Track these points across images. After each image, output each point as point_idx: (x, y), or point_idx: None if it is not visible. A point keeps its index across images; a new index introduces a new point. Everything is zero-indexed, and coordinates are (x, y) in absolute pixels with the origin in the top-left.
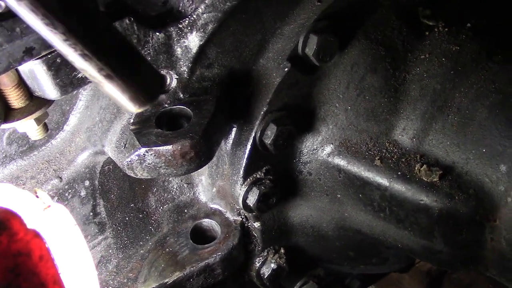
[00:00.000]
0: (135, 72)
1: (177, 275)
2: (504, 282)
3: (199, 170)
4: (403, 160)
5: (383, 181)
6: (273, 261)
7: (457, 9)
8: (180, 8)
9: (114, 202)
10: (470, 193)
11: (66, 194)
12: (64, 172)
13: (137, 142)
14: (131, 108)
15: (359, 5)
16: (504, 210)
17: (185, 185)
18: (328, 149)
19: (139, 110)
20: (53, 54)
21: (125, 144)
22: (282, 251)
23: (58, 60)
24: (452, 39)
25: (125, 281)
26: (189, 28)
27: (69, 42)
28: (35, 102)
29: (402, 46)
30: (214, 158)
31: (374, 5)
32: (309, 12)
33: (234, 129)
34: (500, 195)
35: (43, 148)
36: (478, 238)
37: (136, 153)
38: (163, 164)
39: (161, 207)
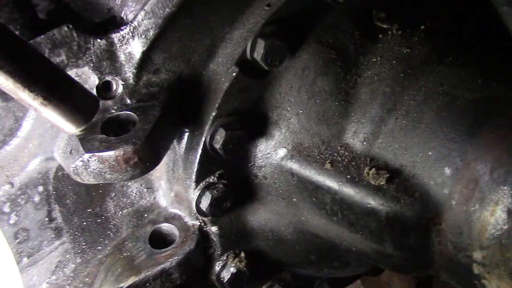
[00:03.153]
0: (68, 96)
1: (132, 279)
2: (455, 285)
3: (158, 175)
4: (353, 163)
5: (333, 184)
6: (233, 265)
7: (412, 11)
8: (122, 15)
9: (71, 207)
10: (416, 196)
11: (19, 200)
12: (16, 178)
13: (81, 148)
14: (69, 129)
15: (309, 9)
16: (449, 213)
17: (145, 190)
18: (282, 153)
19: (77, 131)
20: None
21: (71, 150)
22: (243, 255)
23: None
24: (404, 42)
25: (81, 285)
26: (130, 34)
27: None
28: None
29: (354, 49)
30: (171, 163)
31: (325, 9)
32: (258, 16)
33: (186, 133)
34: (444, 198)
35: None
36: (426, 241)
37: (80, 159)
38: (107, 170)
39: (120, 212)
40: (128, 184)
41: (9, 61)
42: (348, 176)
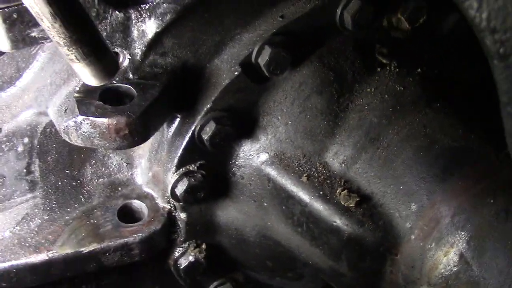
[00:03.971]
0: (101, 58)
1: (93, 246)
2: None
3: (140, 153)
4: (328, 181)
5: (305, 197)
6: (192, 254)
7: (412, 54)
8: None
9: (50, 164)
10: (379, 224)
11: (3, 146)
12: (5, 125)
13: (77, 109)
14: (92, 83)
15: (319, 29)
16: (406, 246)
17: (125, 164)
18: (263, 157)
19: (98, 84)
20: (10, 8)
21: (66, 109)
22: (204, 246)
23: (15, 16)
24: (400, 80)
25: (43, 241)
26: (148, 13)
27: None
28: None
29: (352, 76)
30: (156, 144)
31: (334, 32)
32: (270, 25)
33: (178, 119)
34: (405, 232)
35: None
36: (380, 268)
37: (74, 119)
38: (97, 135)
39: (96, 180)
40: (110, 155)
41: (64, 13)
42: (321, 192)
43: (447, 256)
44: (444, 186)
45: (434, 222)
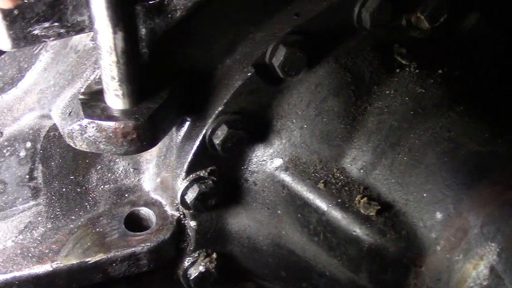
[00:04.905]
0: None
1: (100, 256)
2: None
3: (147, 158)
4: (346, 188)
5: (322, 205)
6: (202, 264)
7: (433, 54)
8: None
9: (54, 170)
10: (402, 234)
11: (4, 151)
12: (6, 128)
13: (82, 112)
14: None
15: (336, 28)
16: (432, 258)
17: (131, 170)
18: (277, 163)
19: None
20: None
21: (70, 112)
22: (214, 256)
23: (15, 12)
24: (420, 82)
25: (46, 251)
26: (156, 10)
27: None
28: None
29: (370, 77)
30: (164, 148)
31: (351, 32)
32: (285, 23)
33: (188, 122)
34: (430, 242)
35: None
36: (402, 280)
37: (78, 122)
38: (103, 140)
39: (102, 186)
40: (116, 160)
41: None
42: (339, 200)
43: (477, 269)
44: (472, 193)
45: (462, 232)
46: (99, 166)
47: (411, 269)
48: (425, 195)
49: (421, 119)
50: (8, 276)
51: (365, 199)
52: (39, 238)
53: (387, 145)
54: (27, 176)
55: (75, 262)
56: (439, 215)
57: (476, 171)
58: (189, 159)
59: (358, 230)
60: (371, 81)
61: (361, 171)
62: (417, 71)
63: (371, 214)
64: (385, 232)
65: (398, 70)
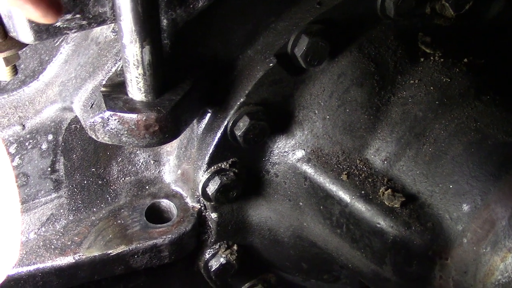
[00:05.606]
0: None
1: (122, 248)
2: None
3: (168, 149)
4: (370, 180)
5: (345, 197)
6: (223, 255)
7: (457, 43)
8: None
9: (75, 162)
10: (427, 226)
11: (27, 144)
12: (28, 121)
13: (104, 105)
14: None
15: (359, 17)
16: (458, 251)
17: (152, 162)
18: (299, 154)
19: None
20: None
21: (92, 104)
22: (235, 248)
23: None
24: (445, 71)
25: (69, 243)
26: (178, 1)
27: None
28: (8, 42)
29: (394, 67)
30: (185, 140)
31: (374, 20)
32: (306, 12)
33: (209, 114)
34: (456, 234)
35: (14, 93)
36: (427, 273)
37: (101, 115)
38: (125, 132)
39: (123, 178)
40: (136, 152)
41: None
42: (363, 192)
43: (505, 262)
44: (499, 185)
45: (489, 224)
46: (120, 158)
47: (437, 261)
48: (451, 186)
49: (446, 109)
50: (32, 268)
51: (389, 190)
52: (61, 230)
53: (412, 136)
54: (49, 169)
55: (97, 254)
56: (465, 207)
57: (504, 161)
58: (210, 151)
59: (382, 222)
60: (395, 70)
61: (385, 162)
62: (442, 60)
63: (395, 206)
64: (410, 224)
65: (422, 59)
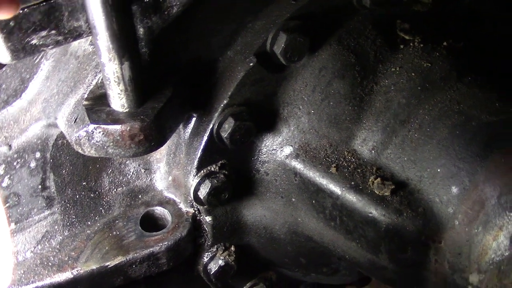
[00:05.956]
0: None
1: (119, 259)
2: None
3: (158, 157)
4: (359, 170)
5: (336, 189)
6: (221, 258)
7: (436, 27)
8: None
9: (65, 177)
10: (419, 211)
11: (15, 164)
12: (14, 140)
13: (87, 118)
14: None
15: (335, 9)
16: (450, 233)
17: (143, 170)
18: (287, 150)
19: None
20: None
21: (75, 119)
22: (233, 249)
23: (11, 23)
24: (425, 56)
25: (66, 259)
26: (153, 8)
27: None
28: None
29: (374, 56)
30: (173, 146)
31: (351, 11)
32: (283, 9)
33: (194, 118)
34: (448, 217)
35: None
36: (423, 258)
37: (85, 129)
38: (111, 144)
39: (115, 190)
40: (126, 162)
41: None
42: (352, 183)
43: (497, 240)
44: (486, 164)
45: (479, 204)
46: (110, 170)
47: (431, 245)
48: (439, 170)
49: (429, 93)
50: (30, 287)
51: (378, 179)
52: (58, 246)
53: (397, 123)
54: (40, 186)
55: (95, 267)
56: (454, 189)
57: (489, 141)
58: (198, 155)
59: (374, 212)
60: (375, 59)
61: (373, 151)
62: (421, 45)
63: (386, 194)
64: (401, 211)
65: (402, 46)
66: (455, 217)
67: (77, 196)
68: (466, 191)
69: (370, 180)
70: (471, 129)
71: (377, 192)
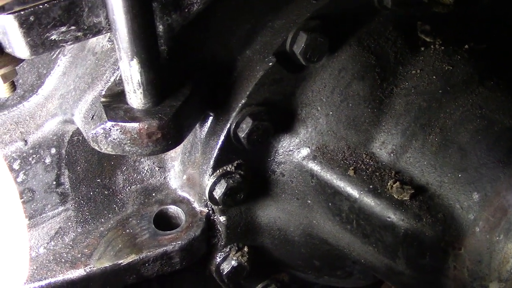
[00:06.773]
0: None
1: (132, 257)
2: None
3: (172, 155)
4: (377, 174)
5: (353, 192)
6: (234, 258)
7: (457, 29)
8: None
9: (80, 174)
10: (438, 217)
11: (30, 159)
12: (30, 136)
13: (105, 115)
14: None
15: (356, 10)
16: (471, 240)
17: (157, 169)
18: (304, 152)
19: None
20: (26, 11)
21: (93, 116)
22: (246, 249)
23: (31, 18)
24: (447, 58)
25: (79, 255)
26: (173, 6)
27: None
28: (4, 59)
29: (395, 58)
30: (188, 145)
31: (372, 12)
32: (303, 9)
33: (211, 117)
34: (468, 224)
35: (14, 109)
36: (441, 265)
37: (102, 126)
38: (128, 141)
39: (129, 187)
40: (141, 160)
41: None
42: (371, 186)
43: None
44: (509, 171)
45: (501, 212)
46: (125, 167)
47: (450, 252)
48: (460, 175)
49: (450, 97)
50: (43, 283)
51: (397, 183)
52: (71, 243)
53: (417, 127)
54: (54, 182)
55: (108, 265)
56: (476, 195)
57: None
58: (215, 155)
59: (392, 216)
60: (396, 61)
61: (392, 155)
62: (442, 47)
63: (404, 198)
64: (420, 216)
65: (423, 48)
66: (476, 224)
67: (91, 193)
68: (488, 197)
69: (388, 184)
70: (494, 134)
71: (396, 196)
